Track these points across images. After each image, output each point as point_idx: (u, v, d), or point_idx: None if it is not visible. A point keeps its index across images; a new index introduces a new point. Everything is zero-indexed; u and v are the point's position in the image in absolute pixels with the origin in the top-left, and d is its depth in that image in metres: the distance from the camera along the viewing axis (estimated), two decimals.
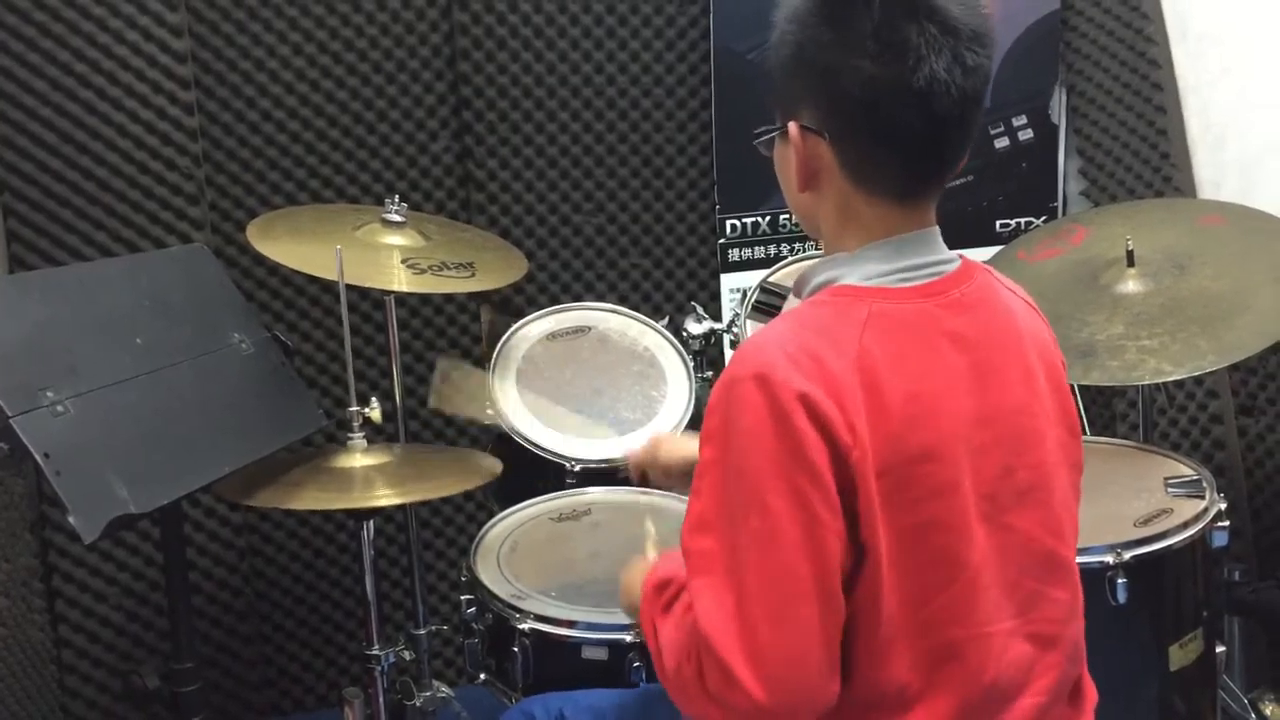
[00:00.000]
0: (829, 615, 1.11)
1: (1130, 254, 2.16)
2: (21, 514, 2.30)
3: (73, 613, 2.44)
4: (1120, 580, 1.73)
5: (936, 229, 1.26)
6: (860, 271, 1.22)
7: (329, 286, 2.61)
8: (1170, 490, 1.94)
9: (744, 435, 1.12)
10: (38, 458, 1.46)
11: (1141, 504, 1.90)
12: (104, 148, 2.41)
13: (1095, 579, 1.72)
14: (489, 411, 2.17)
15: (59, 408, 1.54)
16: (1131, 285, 2.14)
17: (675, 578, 1.26)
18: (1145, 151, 2.71)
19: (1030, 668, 1.25)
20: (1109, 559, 1.74)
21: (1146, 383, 2.09)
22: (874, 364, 1.14)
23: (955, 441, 1.18)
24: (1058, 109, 2.91)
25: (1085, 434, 2.40)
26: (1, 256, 2.41)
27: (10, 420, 1.46)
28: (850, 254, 1.23)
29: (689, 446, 1.70)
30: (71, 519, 1.45)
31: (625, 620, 1.70)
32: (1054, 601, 1.27)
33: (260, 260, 2.59)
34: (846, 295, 1.20)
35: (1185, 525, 1.82)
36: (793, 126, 1.22)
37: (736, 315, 2.48)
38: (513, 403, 2.25)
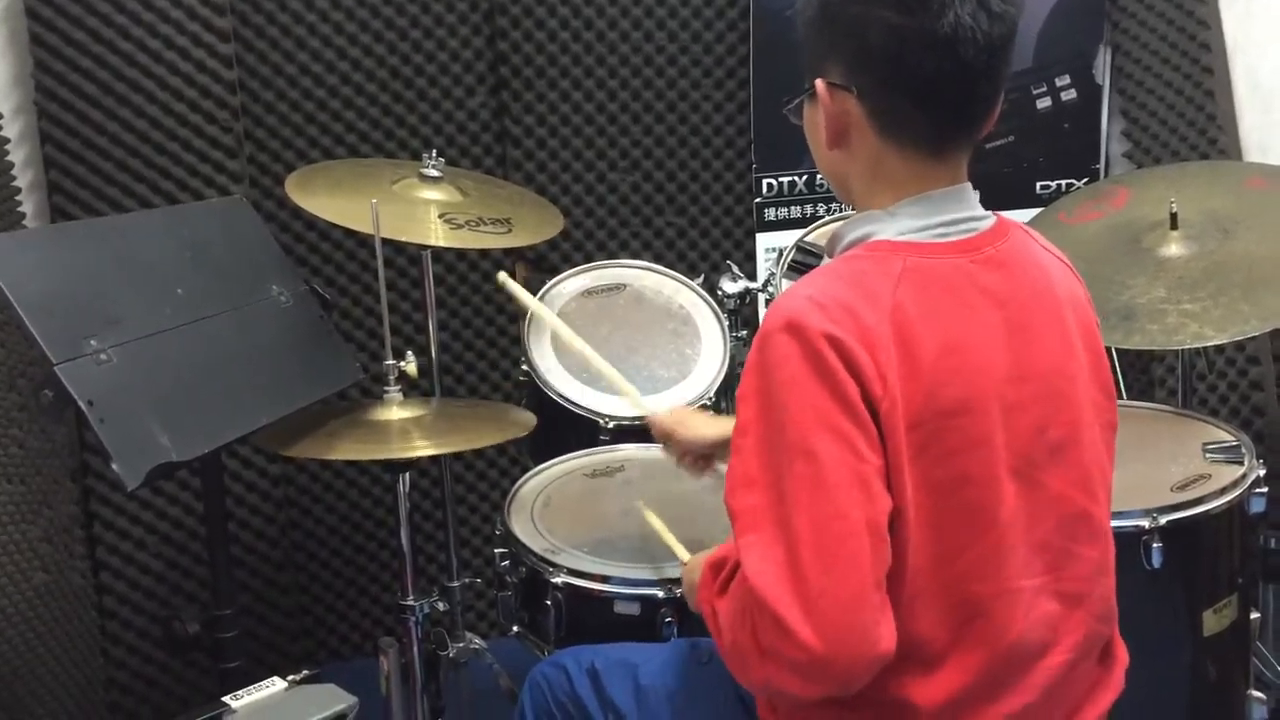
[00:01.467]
0: (879, 555, 1.10)
1: (1174, 216, 2.12)
2: (63, 462, 2.33)
3: (113, 560, 2.48)
4: (1156, 545, 1.72)
5: (969, 185, 1.25)
6: (895, 227, 1.21)
7: (366, 241, 2.63)
8: (1208, 455, 1.92)
9: (782, 385, 1.12)
10: (81, 405, 1.48)
11: (1179, 469, 1.89)
12: (144, 100, 2.42)
13: (1130, 543, 1.71)
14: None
15: (102, 356, 1.56)
16: (1174, 248, 2.11)
17: (730, 556, 1.25)
18: (1191, 113, 2.66)
19: (1057, 625, 1.25)
20: (1145, 523, 1.73)
21: (1187, 347, 2.07)
22: (908, 318, 1.14)
23: (988, 397, 1.18)
24: (1102, 69, 2.86)
25: (1122, 398, 2.39)
26: (43, 208, 2.43)
27: (55, 367, 1.48)
28: (885, 210, 1.23)
29: (708, 429, 1.71)
30: (114, 466, 1.47)
31: (658, 576, 1.71)
32: (1083, 559, 1.27)
33: (298, 214, 2.60)
34: (882, 250, 1.20)
35: (1223, 491, 1.80)
36: (820, 84, 1.22)
37: (772, 274, 2.47)
38: (547, 359, 2.25)
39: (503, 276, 2.04)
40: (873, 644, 1.09)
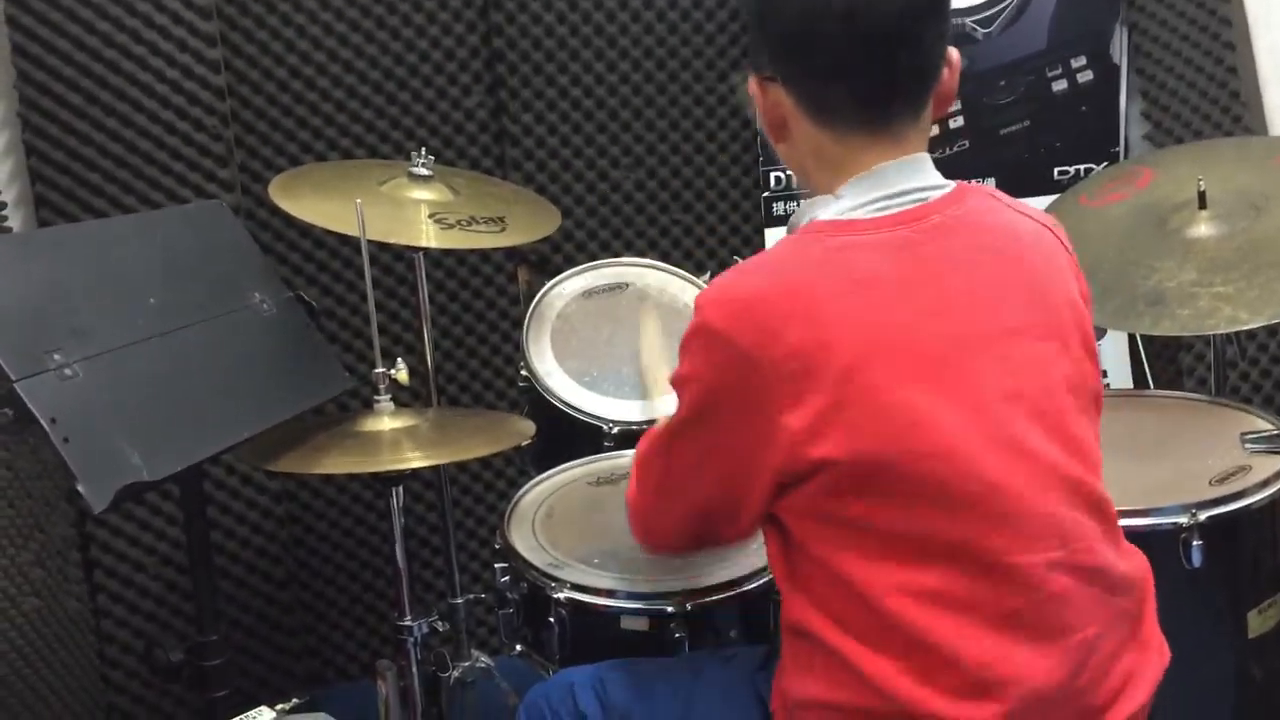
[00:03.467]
0: (701, 527, 1.30)
1: (1202, 195, 2.02)
2: (57, 483, 2.26)
3: (111, 582, 2.41)
4: (1195, 543, 1.61)
5: (924, 156, 1.22)
6: (835, 207, 1.20)
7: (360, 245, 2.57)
8: (1247, 446, 1.82)
9: (690, 351, 1.19)
10: (43, 423, 1.40)
11: (1216, 461, 1.78)
12: (130, 109, 2.35)
13: (1168, 541, 1.61)
14: None
15: (67, 371, 1.48)
16: (1204, 229, 2.01)
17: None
18: (1213, 91, 2.58)
19: (1073, 598, 1.18)
20: (1183, 520, 1.62)
21: (1221, 331, 1.98)
22: (820, 299, 1.13)
23: (923, 371, 1.13)
24: (1119, 49, 2.76)
25: (1150, 388, 2.30)
26: (30, 222, 2.37)
27: (14, 384, 1.40)
28: (833, 193, 1.22)
29: None
30: (79, 487, 1.40)
31: (666, 589, 1.63)
32: (1089, 531, 1.21)
33: (292, 221, 2.52)
34: (813, 231, 1.19)
35: (1265, 483, 1.70)
36: (752, 80, 1.23)
37: None
38: (547, 363, 2.17)
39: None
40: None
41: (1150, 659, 1.28)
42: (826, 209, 1.22)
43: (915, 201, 1.20)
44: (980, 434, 1.14)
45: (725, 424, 1.17)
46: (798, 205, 2.75)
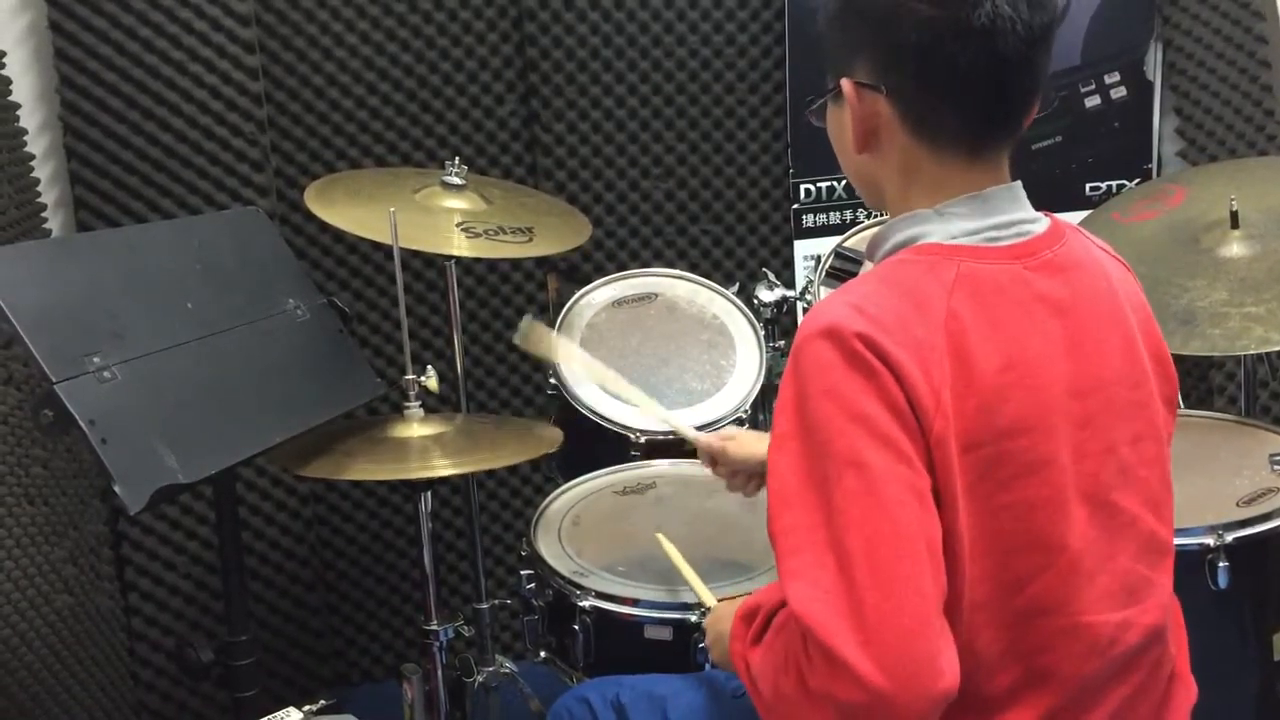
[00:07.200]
0: (938, 579, 1.00)
1: (1234, 215, 2.02)
2: (91, 481, 2.29)
3: (142, 580, 2.44)
4: (1221, 564, 1.62)
5: (1019, 185, 1.17)
6: (945, 229, 1.13)
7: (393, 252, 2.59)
8: (1276, 467, 1.82)
9: (824, 394, 1.03)
10: (82, 425, 1.42)
11: (1244, 482, 1.78)
12: (169, 113, 2.38)
13: (1194, 562, 1.61)
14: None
15: (106, 374, 1.50)
16: (1236, 248, 2.01)
17: (763, 604, 1.17)
18: (1248, 109, 2.56)
19: (1134, 658, 1.16)
20: (1209, 541, 1.63)
21: (1252, 352, 1.97)
22: (963, 329, 1.06)
23: (1052, 414, 1.09)
24: (1154, 65, 2.75)
25: (1180, 407, 2.28)
26: (69, 224, 2.40)
27: (54, 386, 1.42)
28: (934, 210, 1.14)
29: (761, 445, 1.63)
30: (116, 488, 1.41)
31: (690, 599, 1.63)
32: (1160, 587, 1.19)
33: (326, 226, 2.54)
34: (933, 253, 1.11)
35: None
36: (846, 84, 1.14)
37: (810, 282, 2.38)
38: (576, 372, 2.18)
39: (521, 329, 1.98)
40: (937, 678, 0.97)
41: (1180, 692, 1.27)
42: (935, 229, 1.14)
43: (1020, 234, 1.14)
44: (1079, 491, 1.11)
45: None
46: (826, 218, 2.78)
